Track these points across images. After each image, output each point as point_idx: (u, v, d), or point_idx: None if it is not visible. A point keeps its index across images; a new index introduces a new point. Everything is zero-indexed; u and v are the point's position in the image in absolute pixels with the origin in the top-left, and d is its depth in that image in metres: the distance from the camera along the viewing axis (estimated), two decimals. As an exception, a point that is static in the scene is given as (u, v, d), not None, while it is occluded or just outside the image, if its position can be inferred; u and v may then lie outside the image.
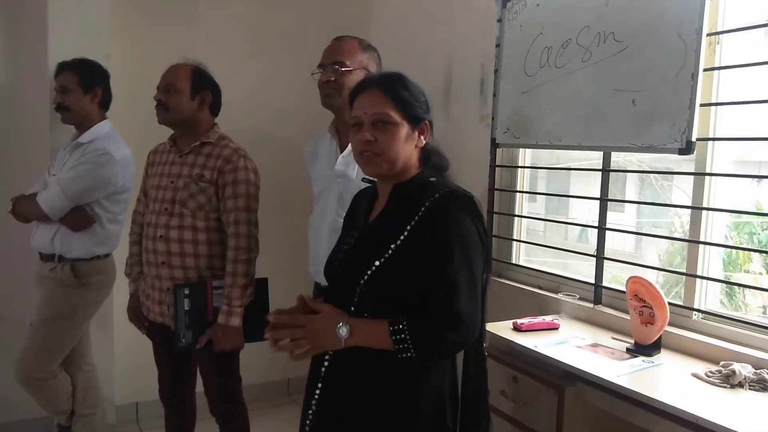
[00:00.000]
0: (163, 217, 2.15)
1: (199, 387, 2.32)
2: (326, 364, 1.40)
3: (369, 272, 1.34)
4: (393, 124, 1.38)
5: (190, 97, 2.14)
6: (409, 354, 1.28)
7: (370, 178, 1.67)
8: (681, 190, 2.51)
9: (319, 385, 1.41)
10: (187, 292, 2.06)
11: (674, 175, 2.41)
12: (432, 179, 1.41)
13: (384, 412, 1.37)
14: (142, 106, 2.32)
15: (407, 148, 1.40)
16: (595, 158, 2.48)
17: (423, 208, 1.34)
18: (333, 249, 1.54)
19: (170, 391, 2.33)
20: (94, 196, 2.39)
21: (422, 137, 1.44)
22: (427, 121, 1.44)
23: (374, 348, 1.32)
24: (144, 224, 2.23)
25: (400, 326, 1.28)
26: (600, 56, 2.10)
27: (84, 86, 2.44)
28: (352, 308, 1.36)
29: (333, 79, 1.98)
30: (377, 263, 1.34)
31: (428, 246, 1.32)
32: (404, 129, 1.39)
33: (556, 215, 2.76)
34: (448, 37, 2.82)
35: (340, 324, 1.33)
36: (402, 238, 1.34)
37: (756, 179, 2.06)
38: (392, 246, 1.34)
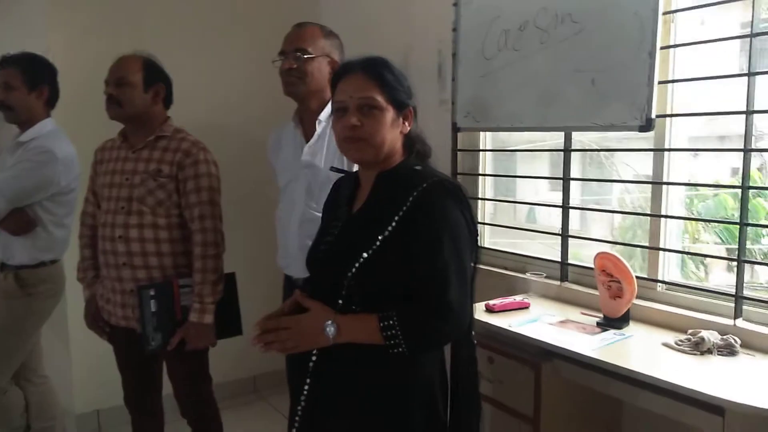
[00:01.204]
0: (120, 216, 2.04)
1: (167, 389, 2.23)
2: (314, 359, 1.36)
3: (357, 265, 1.30)
4: (379, 108, 1.34)
5: (143, 90, 2.04)
6: (399, 349, 1.27)
7: (339, 168, 1.64)
8: (629, 167, 2.59)
9: (308, 380, 1.37)
10: (152, 293, 1.97)
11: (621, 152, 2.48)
12: (417, 167, 1.39)
13: (376, 405, 1.35)
14: (84, 101, 2.19)
15: (392, 133, 1.37)
16: (548, 139, 2.51)
17: (411, 198, 1.31)
18: (315, 240, 1.49)
19: (136, 398, 2.23)
20: (36, 197, 2.26)
21: (406, 123, 1.41)
22: (411, 108, 1.41)
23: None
24: (99, 225, 2.12)
25: (391, 322, 1.26)
26: (558, 38, 2.13)
27: (29, 84, 2.30)
28: (340, 301, 1.33)
29: (295, 66, 1.93)
30: (365, 255, 1.30)
31: (417, 237, 1.29)
32: (390, 114, 1.36)
33: (504, 196, 2.79)
34: (403, 23, 2.79)
35: (328, 323, 1.30)
36: (390, 229, 1.31)
37: (693, 153, 2.15)
38: (380, 237, 1.31)
